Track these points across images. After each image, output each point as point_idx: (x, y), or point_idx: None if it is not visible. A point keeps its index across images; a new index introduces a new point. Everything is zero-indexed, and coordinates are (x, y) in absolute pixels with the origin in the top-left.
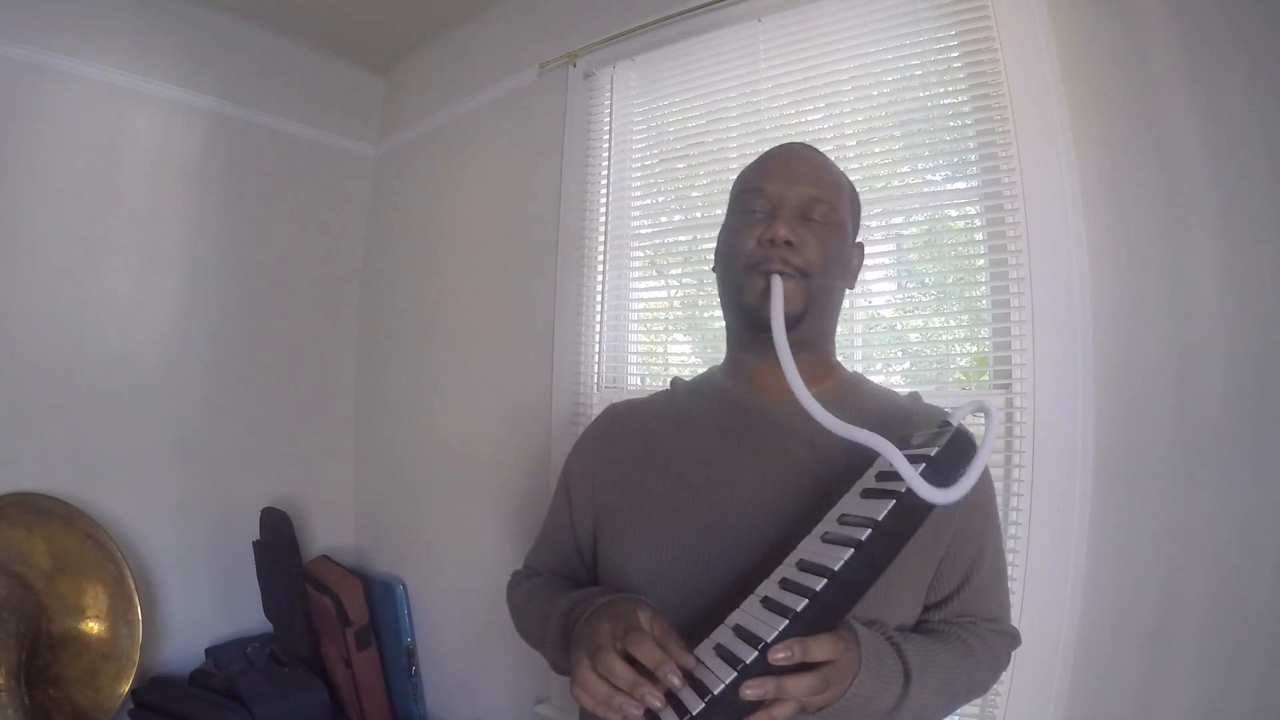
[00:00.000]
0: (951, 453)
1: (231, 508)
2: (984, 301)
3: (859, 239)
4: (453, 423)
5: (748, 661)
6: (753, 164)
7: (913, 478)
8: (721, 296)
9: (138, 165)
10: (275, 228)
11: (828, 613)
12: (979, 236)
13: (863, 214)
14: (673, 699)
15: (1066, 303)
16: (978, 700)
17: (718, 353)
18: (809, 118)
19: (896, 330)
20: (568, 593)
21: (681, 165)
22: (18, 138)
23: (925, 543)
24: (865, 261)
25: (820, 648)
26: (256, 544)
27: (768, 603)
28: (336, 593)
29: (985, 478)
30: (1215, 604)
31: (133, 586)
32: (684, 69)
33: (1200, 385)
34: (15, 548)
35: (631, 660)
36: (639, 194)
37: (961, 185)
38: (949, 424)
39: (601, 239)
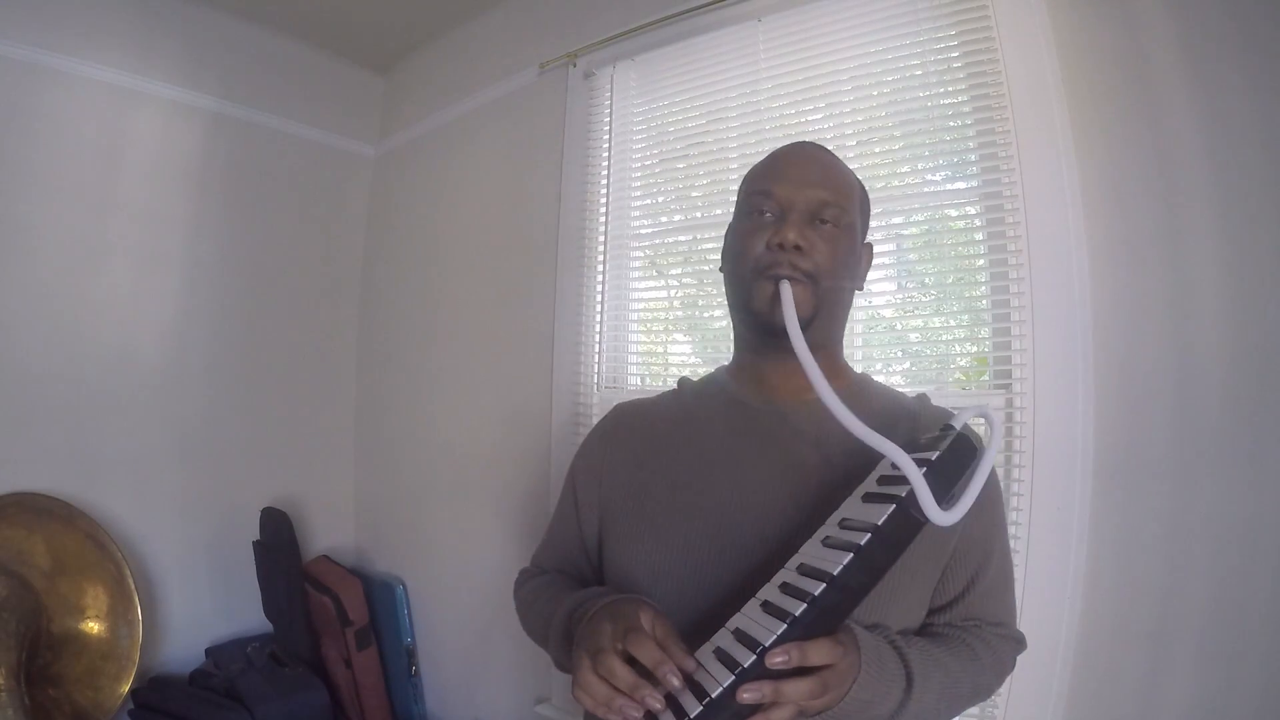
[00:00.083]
0: (952, 457)
1: (231, 508)
2: (984, 301)
3: (870, 238)
4: (452, 422)
5: (745, 665)
6: (761, 164)
7: (925, 495)
8: (729, 298)
9: (138, 165)
10: (275, 228)
11: (826, 617)
12: (979, 236)
13: None
14: (672, 701)
15: (1066, 303)
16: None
17: (718, 353)
18: (809, 118)
19: (896, 330)
20: (572, 592)
21: (681, 165)
22: (18, 138)
23: (930, 545)
24: None
25: (818, 652)
26: (256, 544)
27: (767, 606)
28: (336, 593)
29: (992, 480)
30: (1215, 604)
31: (133, 586)
32: (684, 69)
33: (1200, 385)
34: (15, 548)
35: (633, 661)
36: (639, 194)
37: (961, 185)
38: (952, 427)
39: (601, 239)
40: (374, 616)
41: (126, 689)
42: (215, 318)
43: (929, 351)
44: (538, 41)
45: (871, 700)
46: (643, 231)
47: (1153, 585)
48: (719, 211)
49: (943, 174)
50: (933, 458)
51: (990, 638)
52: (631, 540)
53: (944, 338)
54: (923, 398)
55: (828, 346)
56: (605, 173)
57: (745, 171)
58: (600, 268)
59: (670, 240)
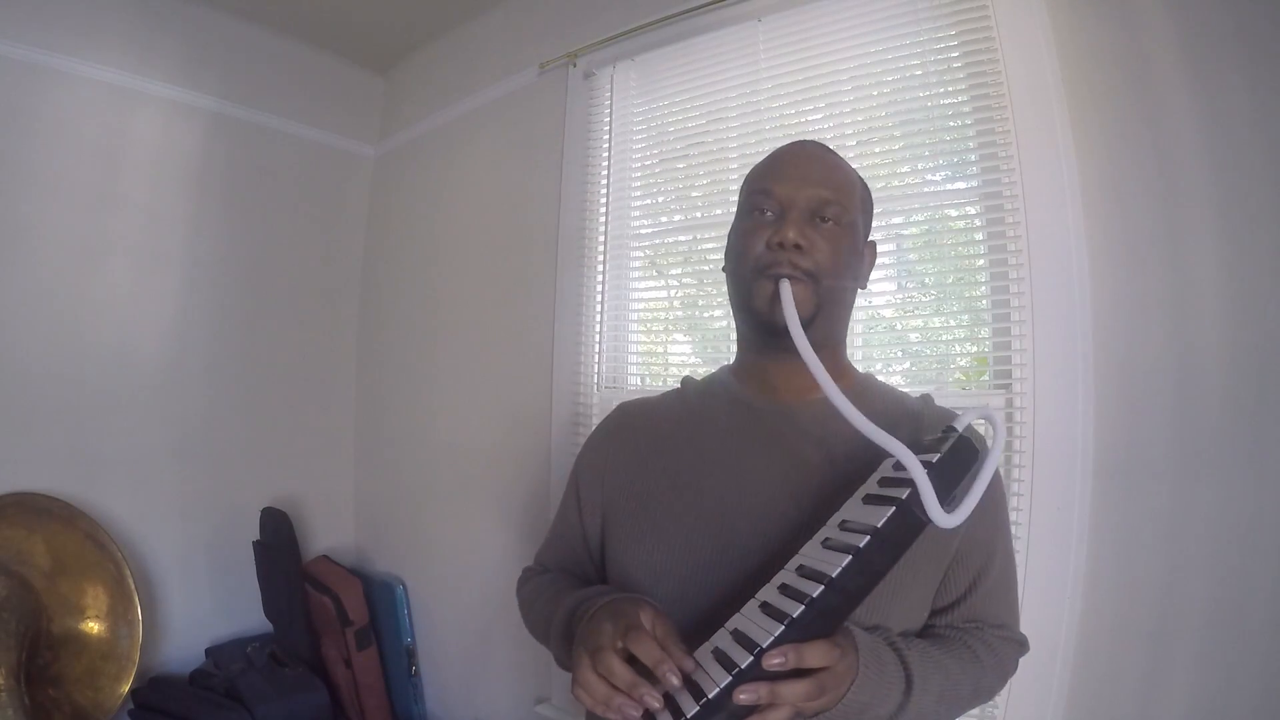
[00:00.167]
0: (955, 459)
1: (231, 508)
2: (984, 301)
3: (871, 238)
4: (453, 422)
5: (742, 666)
6: (762, 163)
7: (929, 496)
8: (731, 298)
9: (138, 165)
10: (275, 228)
11: (824, 619)
12: (979, 236)
13: None
14: (670, 701)
15: (1066, 303)
16: None
17: (718, 353)
18: (809, 118)
19: (896, 330)
20: (573, 591)
21: (681, 165)
22: (18, 138)
23: (933, 546)
24: None
25: (815, 654)
26: (256, 544)
27: (766, 608)
28: (336, 593)
29: (995, 481)
30: (1215, 604)
31: (133, 586)
32: (684, 69)
33: (1200, 385)
34: (15, 548)
35: (633, 661)
36: (639, 194)
37: (961, 185)
38: (954, 429)
39: (601, 239)
40: (374, 616)
41: (126, 689)
42: (215, 318)
43: (929, 351)
44: (538, 41)
45: (870, 702)
46: (643, 231)
47: (1153, 585)
48: (719, 211)
49: (943, 174)
50: (935, 459)
51: (992, 640)
52: (633, 540)
53: (944, 338)
54: (926, 398)
55: (830, 345)
56: (605, 173)
57: (745, 171)
58: (600, 268)
59: (670, 240)
